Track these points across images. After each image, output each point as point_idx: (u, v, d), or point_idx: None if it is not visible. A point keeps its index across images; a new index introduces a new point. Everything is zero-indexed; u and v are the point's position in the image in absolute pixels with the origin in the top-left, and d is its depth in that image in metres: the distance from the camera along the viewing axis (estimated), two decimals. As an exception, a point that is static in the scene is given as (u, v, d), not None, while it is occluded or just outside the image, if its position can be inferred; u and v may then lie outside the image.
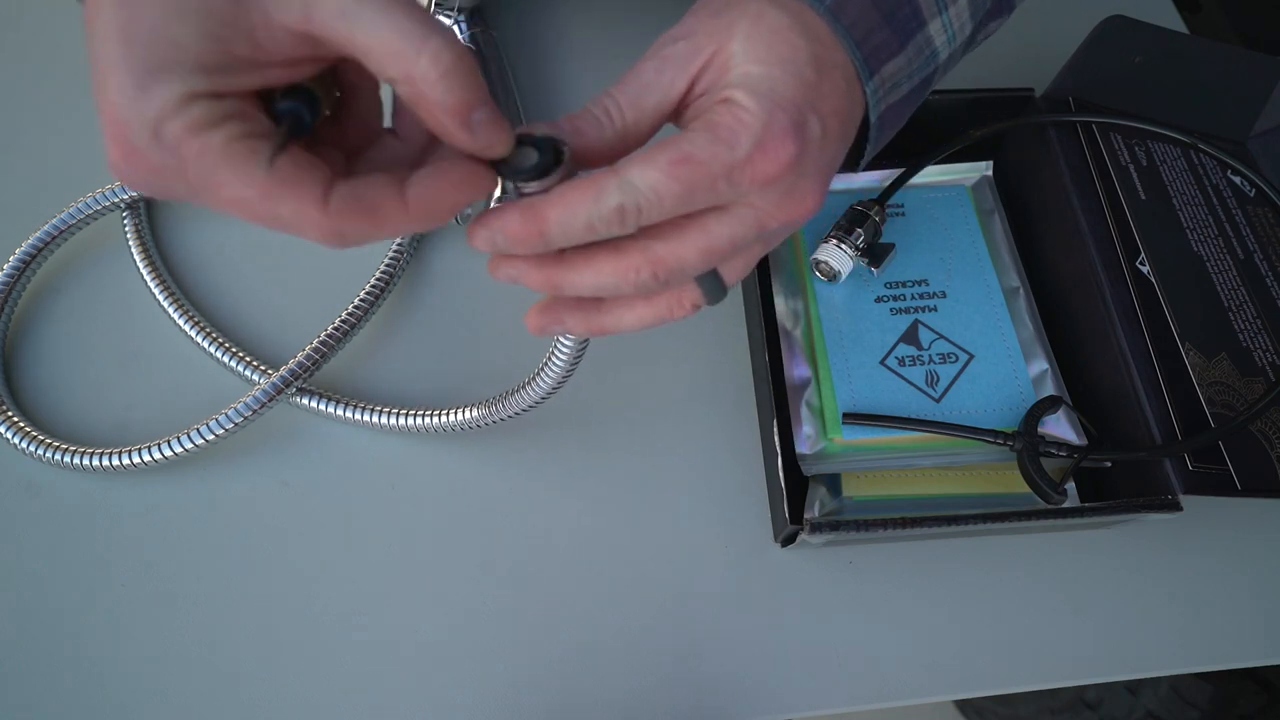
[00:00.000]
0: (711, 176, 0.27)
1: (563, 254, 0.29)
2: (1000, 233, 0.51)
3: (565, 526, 0.47)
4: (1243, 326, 0.46)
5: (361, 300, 0.50)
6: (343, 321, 0.49)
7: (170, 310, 0.50)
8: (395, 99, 0.27)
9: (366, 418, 0.47)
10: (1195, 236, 0.48)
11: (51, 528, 0.45)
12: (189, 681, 0.42)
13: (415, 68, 0.23)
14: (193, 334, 0.49)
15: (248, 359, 0.49)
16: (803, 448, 0.44)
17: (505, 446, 0.48)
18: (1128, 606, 0.46)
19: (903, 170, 0.50)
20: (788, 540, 0.45)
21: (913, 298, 0.48)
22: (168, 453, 0.45)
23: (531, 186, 0.27)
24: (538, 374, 0.41)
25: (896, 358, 0.46)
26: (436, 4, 0.55)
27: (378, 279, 0.50)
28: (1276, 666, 0.83)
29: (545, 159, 0.27)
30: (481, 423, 0.45)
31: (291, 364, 0.47)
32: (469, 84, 0.24)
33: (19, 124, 0.57)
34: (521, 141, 0.27)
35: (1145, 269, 0.47)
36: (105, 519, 0.46)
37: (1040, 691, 0.94)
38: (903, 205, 0.52)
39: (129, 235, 0.52)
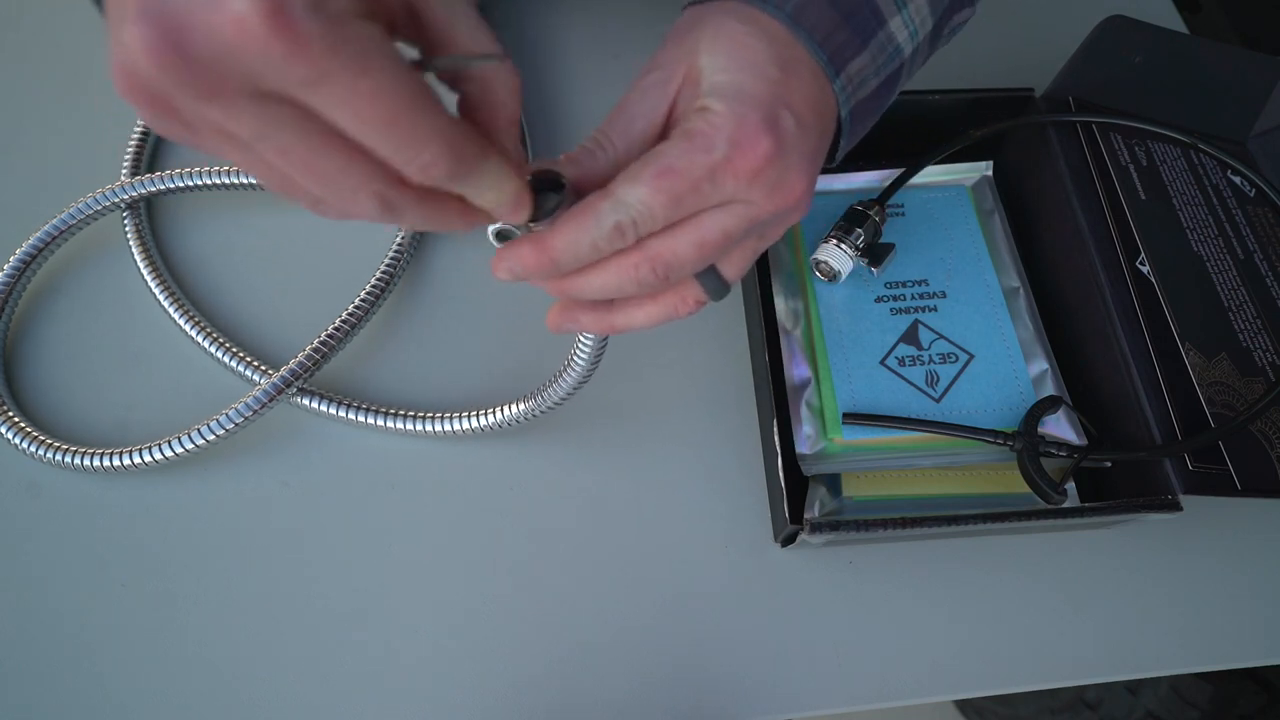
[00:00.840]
0: (695, 181, 0.28)
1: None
2: (1000, 233, 0.51)
3: (565, 526, 0.47)
4: (1243, 326, 0.46)
5: (362, 300, 0.50)
6: (343, 321, 0.49)
7: (171, 310, 0.50)
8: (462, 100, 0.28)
9: (369, 420, 0.47)
10: (1195, 236, 0.48)
11: (51, 528, 0.45)
12: (189, 681, 0.42)
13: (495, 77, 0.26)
14: (193, 334, 0.49)
15: (248, 359, 0.49)
16: (803, 448, 0.44)
17: (505, 446, 0.48)
18: (1128, 606, 0.46)
19: (903, 170, 0.50)
20: (788, 540, 0.45)
21: (913, 298, 0.48)
22: (168, 453, 0.45)
23: (538, 224, 0.29)
24: (560, 374, 0.41)
25: (896, 358, 0.46)
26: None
27: (378, 279, 0.51)
28: (1276, 666, 0.83)
29: (547, 201, 0.28)
30: (512, 422, 0.46)
31: (292, 364, 0.47)
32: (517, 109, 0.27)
33: (19, 124, 0.57)
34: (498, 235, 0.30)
35: (1145, 269, 0.47)
36: (105, 519, 0.46)
37: (1040, 691, 0.94)
38: (903, 205, 0.52)
39: (129, 235, 0.52)
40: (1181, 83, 0.54)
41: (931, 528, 0.41)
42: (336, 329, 0.48)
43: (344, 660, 0.43)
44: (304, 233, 0.54)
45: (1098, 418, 0.46)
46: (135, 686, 0.42)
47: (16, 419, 0.46)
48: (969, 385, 0.46)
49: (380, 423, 0.47)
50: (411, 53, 0.25)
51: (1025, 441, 0.43)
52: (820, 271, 0.48)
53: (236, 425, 0.45)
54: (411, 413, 0.47)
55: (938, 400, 0.45)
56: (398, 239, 0.52)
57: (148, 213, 0.54)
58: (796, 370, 0.47)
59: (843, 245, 0.47)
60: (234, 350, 0.49)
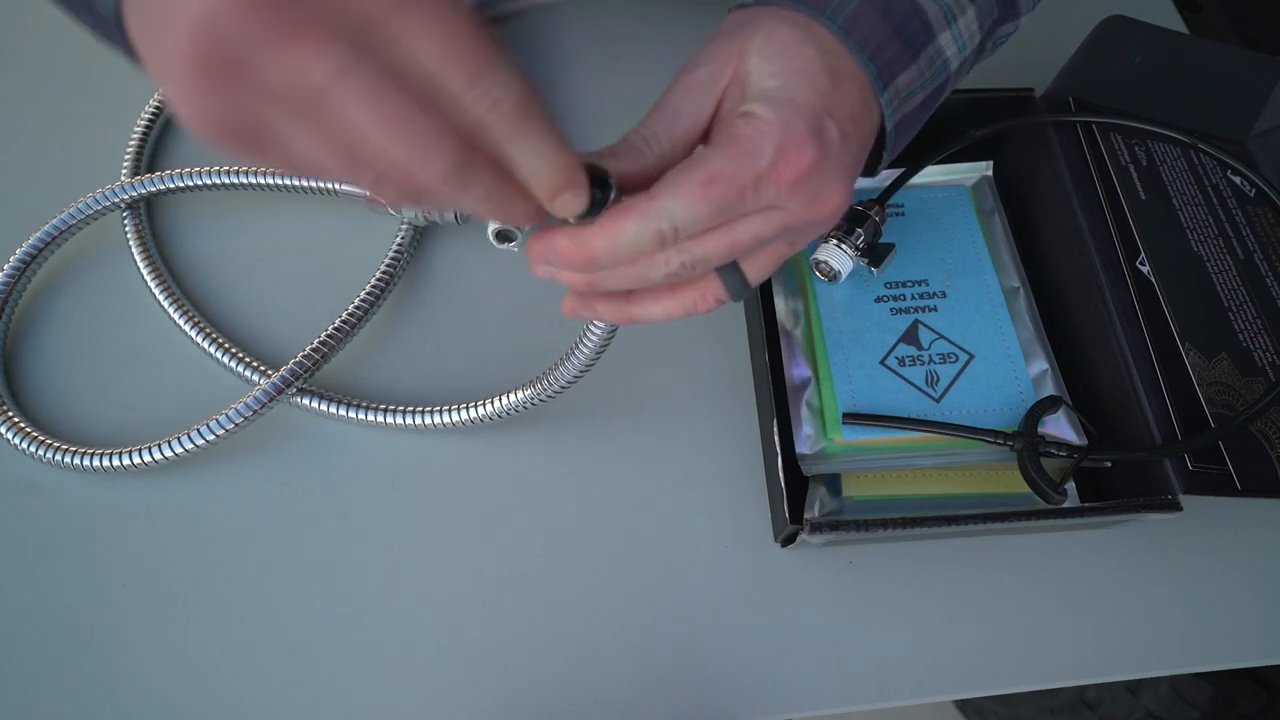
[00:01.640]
0: (740, 189, 0.28)
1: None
2: (1000, 233, 0.51)
3: (565, 527, 0.47)
4: (1243, 326, 0.46)
5: (362, 300, 0.50)
6: (343, 321, 0.49)
7: (171, 310, 0.50)
8: None
9: (370, 417, 0.47)
10: (1195, 236, 0.48)
11: (51, 528, 0.45)
12: (189, 681, 0.42)
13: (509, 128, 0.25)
14: (193, 334, 0.49)
15: (248, 359, 0.49)
16: (803, 448, 0.44)
17: (505, 445, 0.48)
18: (1128, 606, 0.46)
19: (903, 170, 0.50)
20: (788, 540, 0.45)
21: (913, 298, 0.48)
22: (168, 453, 0.45)
23: (580, 220, 0.29)
24: (564, 359, 0.41)
25: (896, 358, 0.46)
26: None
27: (378, 279, 0.51)
28: (1276, 666, 0.83)
29: (598, 196, 0.28)
30: (514, 410, 0.45)
31: (291, 364, 0.47)
32: (566, 166, 0.26)
33: (19, 124, 0.57)
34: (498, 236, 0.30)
35: (1145, 269, 0.47)
36: (105, 519, 0.46)
37: (1040, 691, 0.94)
38: (903, 205, 0.52)
39: (129, 235, 0.52)
40: (1181, 83, 0.54)
41: (931, 528, 0.41)
42: (336, 329, 0.48)
43: (344, 660, 0.43)
44: (304, 233, 0.54)
45: (1098, 418, 0.46)
46: (135, 686, 0.42)
47: (16, 419, 0.46)
48: (969, 385, 0.46)
49: (379, 419, 0.47)
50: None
51: (1025, 441, 0.43)
52: (820, 271, 0.48)
53: (236, 425, 0.45)
54: (411, 408, 0.47)
55: (938, 400, 0.45)
56: (397, 239, 0.52)
57: (148, 213, 0.54)
58: (796, 370, 0.47)
59: (843, 245, 0.47)
60: (233, 351, 0.49)
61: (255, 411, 0.46)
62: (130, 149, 0.55)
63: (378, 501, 0.47)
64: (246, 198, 0.55)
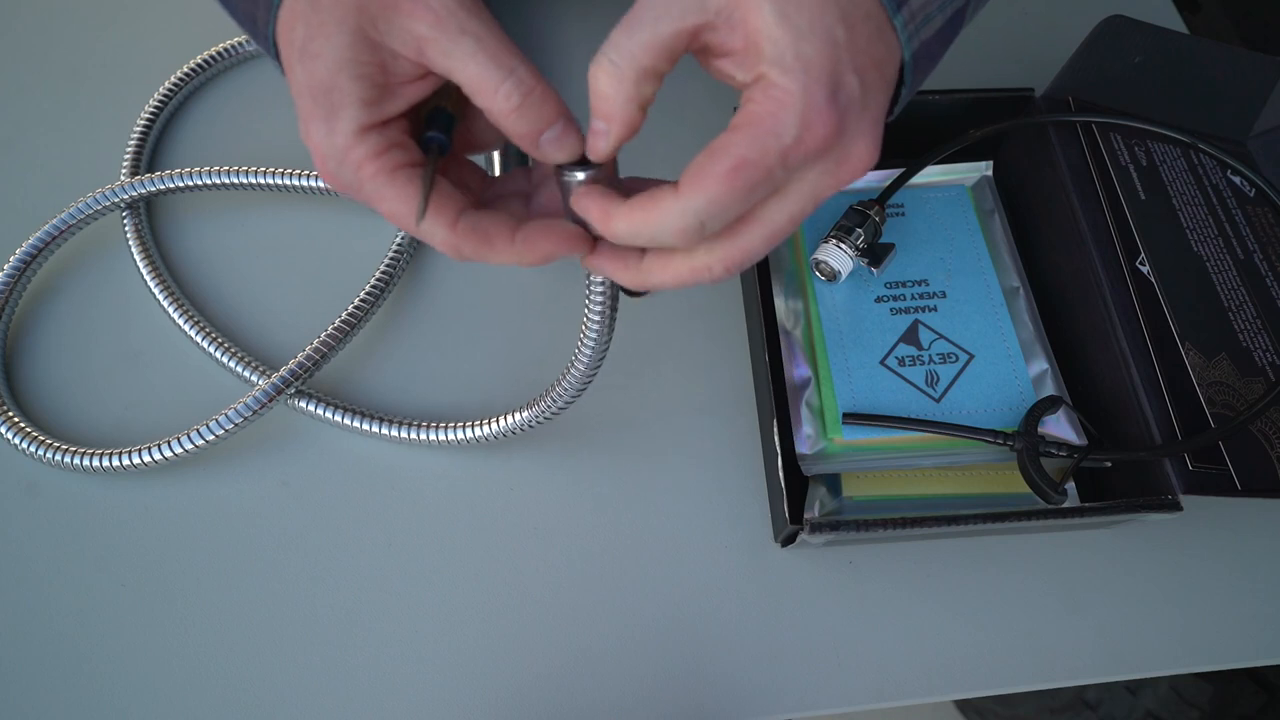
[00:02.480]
0: (768, 170, 0.28)
1: (645, 260, 0.32)
2: (1000, 233, 0.51)
3: (565, 527, 0.47)
4: (1243, 326, 0.46)
5: (362, 300, 0.50)
6: (343, 322, 0.49)
7: (170, 310, 0.50)
8: None
9: (368, 426, 0.47)
10: (1195, 236, 0.48)
11: (51, 528, 0.45)
12: (189, 681, 0.42)
13: (493, 104, 0.29)
14: (193, 334, 0.49)
15: (247, 359, 0.49)
16: (803, 448, 0.44)
17: (505, 445, 0.48)
18: (1127, 606, 0.46)
19: (903, 170, 0.50)
20: (788, 540, 0.45)
21: (913, 298, 0.48)
22: (168, 453, 0.45)
23: (579, 177, 0.31)
24: (560, 380, 0.41)
25: (896, 358, 0.46)
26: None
27: (377, 279, 0.51)
28: (1276, 666, 0.83)
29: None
30: (513, 431, 0.46)
31: (292, 364, 0.47)
32: (537, 115, 0.29)
33: (19, 124, 0.57)
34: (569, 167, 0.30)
35: (1145, 269, 0.47)
36: (105, 519, 0.46)
37: (1040, 691, 0.94)
38: (903, 205, 0.52)
39: (129, 235, 0.52)
40: (1181, 83, 0.54)
41: (931, 528, 0.41)
42: (336, 329, 0.48)
43: (344, 660, 0.43)
44: (304, 231, 0.54)
45: (1098, 418, 0.46)
46: (134, 686, 0.42)
47: (16, 419, 0.46)
48: (969, 385, 0.46)
49: (379, 430, 0.47)
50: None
51: (1025, 441, 0.43)
52: (820, 271, 0.48)
53: (236, 425, 0.45)
54: (412, 421, 0.47)
55: (938, 400, 0.45)
56: (397, 238, 0.52)
57: (147, 213, 0.54)
58: (796, 370, 0.47)
59: (843, 245, 0.47)
60: (233, 350, 0.49)
61: (255, 412, 0.46)
62: (130, 149, 0.55)
63: (377, 501, 0.47)
64: (245, 197, 0.55)
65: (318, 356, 0.47)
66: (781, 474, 0.43)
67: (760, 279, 0.50)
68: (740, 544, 0.47)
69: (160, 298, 0.50)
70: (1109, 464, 0.45)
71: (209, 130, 0.58)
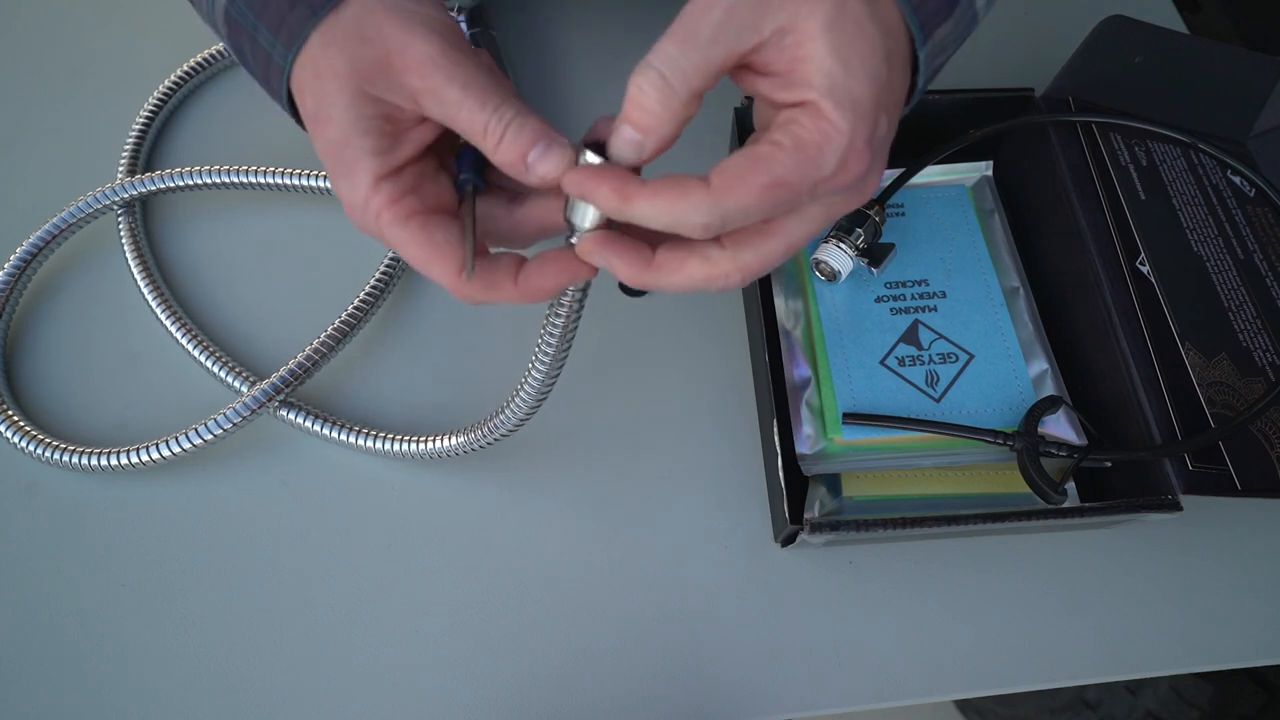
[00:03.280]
0: (800, 194, 0.29)
1: (657, 258, 0.31)
2: (1000, 233, 0.51)
3: (564, 527, 0.47)
4: (1243, 326, 0.46)
5: (357, 306, 0.49)
6: (335, 330, 0.48)
7: (162, 316, 0.50)
8: None
9: (356, 440, 0.47)
10: (1195, 236, 0.48)
11: (51, 528, 0.45)
12: (188, 681, 0.42)
13: (483, 145, 0.30)
14: (183, 340, 0.49)
15: (235, 367, 0.48)
16: (803, 448, 0.44)
17: (504, 447, 0.48)
18: (1127, 606, 0.46)
19: (903, 170, 0.50)
20: (788, 540, 0.45)
21: (913, 298, 0.48)
22: (167, 453, 0.45)
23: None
24: (512, 398, 0.41)
25: (896, 358, 0.46)
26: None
27: (372, 288, 0.50)
28: (1276, 666, 0.83)
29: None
30: (464, 450, 0.45)
31: (283, 372, 0.47)
32: (515, 144, 0.30)
33: (19, 124, 0.57)
34: (590, 147, 0.30)
35: (1145, 269, 0.47)
36: (104, 518, 0.46)
37: (1040, 691, 0.94)
38: (903, 205, 0.52)
39: (123, 237, 0.52)
40: (1181, 83, 0.54)
41: (931, 528, 0.41)
42: (330, 335, 0.48)
43: (344, 659, 0.43)
44: (302, 231, 0.54)
45: (1098, 418, 0.46)
46: (134, 686, 0.42)
47: (16, 418, 0.46)
48: (969, 385, 0.46)
49: (366, 444, 0.47)
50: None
51: (1025, 441, 0.43)
52: (820, 271, 0.48)
53: (235, 425, 0.45)
54: (393, 436, 0.47)
55: (938, 400, 0.45)
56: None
57: (144, 213, 0.54)
58: (796, 370, 0.47)
59: (843, 245, 0.47)
60: (221, 358, 0.48)
61: (254, 411, 0.46)
62: (127, 148, 0.55)
63: (377, 501, 0.47)
64: (243, 197, 0.55)
65: (310, 363, 0.47)
66: (781, 474, 0.43)
67: (760, 279, 0.50)
68: (740, 544, 0.47)
69: (152, 302, 0.50)
70: (1109, 464, 0.45)
71: (207, 130, 0.58)
